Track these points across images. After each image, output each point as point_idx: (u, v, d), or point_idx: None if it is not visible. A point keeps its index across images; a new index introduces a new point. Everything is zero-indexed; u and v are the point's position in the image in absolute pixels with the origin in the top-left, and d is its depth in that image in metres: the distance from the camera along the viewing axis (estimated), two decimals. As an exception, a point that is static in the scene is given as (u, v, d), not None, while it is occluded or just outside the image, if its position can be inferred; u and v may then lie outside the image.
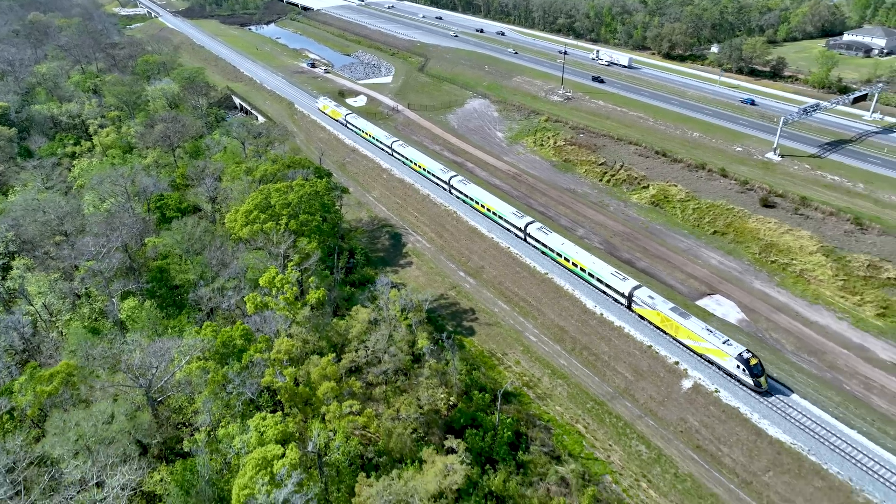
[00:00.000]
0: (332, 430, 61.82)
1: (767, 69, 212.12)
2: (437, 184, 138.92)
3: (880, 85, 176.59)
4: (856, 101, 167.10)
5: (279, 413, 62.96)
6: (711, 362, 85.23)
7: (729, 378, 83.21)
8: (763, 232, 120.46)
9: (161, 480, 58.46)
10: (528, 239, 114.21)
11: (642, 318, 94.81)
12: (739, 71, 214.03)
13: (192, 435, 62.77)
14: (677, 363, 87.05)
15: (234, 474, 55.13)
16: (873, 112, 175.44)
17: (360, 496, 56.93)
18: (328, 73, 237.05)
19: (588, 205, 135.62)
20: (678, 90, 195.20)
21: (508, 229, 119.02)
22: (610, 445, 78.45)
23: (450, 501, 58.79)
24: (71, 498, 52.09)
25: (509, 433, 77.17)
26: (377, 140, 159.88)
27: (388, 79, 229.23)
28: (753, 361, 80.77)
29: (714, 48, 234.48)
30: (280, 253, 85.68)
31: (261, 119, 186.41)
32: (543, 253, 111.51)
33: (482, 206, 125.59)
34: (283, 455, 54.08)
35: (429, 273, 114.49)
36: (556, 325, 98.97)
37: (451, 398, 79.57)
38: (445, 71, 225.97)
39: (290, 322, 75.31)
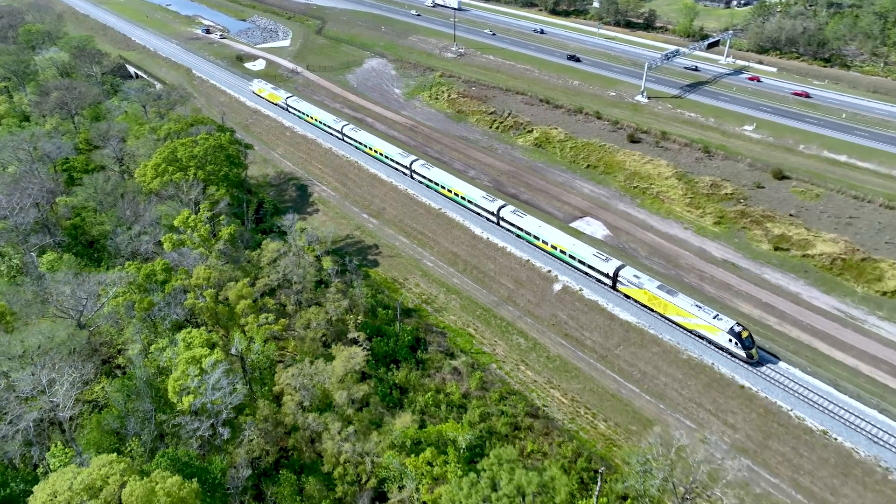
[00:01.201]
0: (251, 337, 72.25)
1: (641, 21, 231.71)
2: (398, 169, 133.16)
3: (731, 32, 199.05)
4: (710, 46, 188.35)
5: (203, 328, 72.56)
6: (702, 337, 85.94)
7: (709, 345, 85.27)
8: (628, 163, 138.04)
9: (102, 388, 67.00)
10: (501, 223, 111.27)
11: (627, 297, 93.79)
12: (617, 24, 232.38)
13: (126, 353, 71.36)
14: (550, 271, 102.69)
15: (168, 377, 64.55)
16: (727, 56, 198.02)
17: (278, 382, 68.11)
18: (224, 38, 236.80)
19: (479, 149, 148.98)
20: (562, 43, 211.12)
21: (479, 213, 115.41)
22: (495, 341, 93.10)
23: (355, 380, 70.88)
24: (25, 400, 59.91)
25: (410, 338, 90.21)
26: (325, 125, 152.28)
27: (286, 42, 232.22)
28: (745, 334, 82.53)
29: (595, 3, 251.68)
30: (191, 199, 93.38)
31: (158, 86, 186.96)
32: (518, 237, 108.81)
33: (448, 191, 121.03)
34: (210, 355, 64.18)
35: (335, 217, 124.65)
36: (449, 252, 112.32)
37: (359, 317, 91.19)
38: (343, 33, 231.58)
39: (206, 257, 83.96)
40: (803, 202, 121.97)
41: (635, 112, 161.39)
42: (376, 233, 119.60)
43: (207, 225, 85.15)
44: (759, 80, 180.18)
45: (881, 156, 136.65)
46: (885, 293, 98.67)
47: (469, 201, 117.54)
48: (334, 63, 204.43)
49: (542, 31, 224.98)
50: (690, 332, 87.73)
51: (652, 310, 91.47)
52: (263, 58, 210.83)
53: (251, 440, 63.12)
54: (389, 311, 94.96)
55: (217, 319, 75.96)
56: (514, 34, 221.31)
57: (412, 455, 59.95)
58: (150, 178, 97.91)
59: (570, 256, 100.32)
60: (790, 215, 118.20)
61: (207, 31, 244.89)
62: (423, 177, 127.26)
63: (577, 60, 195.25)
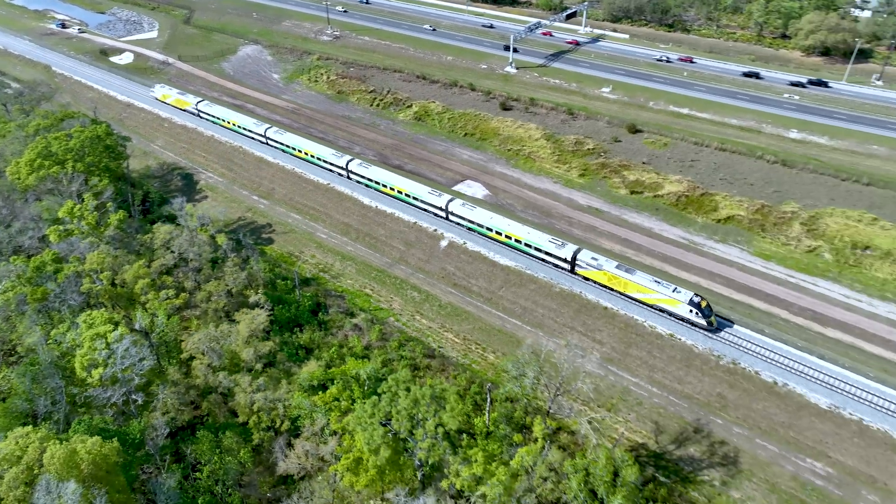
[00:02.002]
0: (154, 312, 75.18)
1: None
2: (332, 170, 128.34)
3: (587, 3, 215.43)
4: (569, 17, 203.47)
5: (104, 310, 74.52)
6: (663, 310, 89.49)
7: (675, 320, 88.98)
8: (502, 129, 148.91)
9: (4, 377, 67.76)
10: (451, 217, 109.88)
11: (587, 279, 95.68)
12: (485, 0, 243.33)
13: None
14: (436, 230, 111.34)
15: (73, 357, 66.56)
16: (585, 26, 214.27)
17: (185, 349, 71.90)
18: (84, 32, 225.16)
19: (361, 126, 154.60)
20: (434, 21, 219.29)
21: (427, 210, 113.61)
22: (391, 298, 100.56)
23: (261, 338, 75.90)
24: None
25: (310, 303, 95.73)
26: (245, 129, 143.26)
27: (154, 34, 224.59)
28: (704, 304, 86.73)
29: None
30: (73, 192, 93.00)
31: (15, 85, 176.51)
32: (470, 229, 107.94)
33: (391, 189, 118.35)
34: (115, 330, 66.93)
35: (224, 202, 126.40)
36: (342, 223, 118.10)
37: (259, 290, 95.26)
38: (213, 21, 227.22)
39: (97, 245, 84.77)
40: (653, 151, 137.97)
41: (506, 82, 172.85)
42: (268, 212, 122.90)
43: (94, 213, 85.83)
44: (577, 43, 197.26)
45: (716, 107, 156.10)
46: (719, 220, 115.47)
47: (415, 198, 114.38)
48: (207, 52, 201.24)
49: (432, 30, 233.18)
50: (651, 306, 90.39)
51: (612, 289, 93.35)
52: (130, 51, 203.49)
53: (165, 402, 66.80)
54: (288, 282, 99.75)
55: (116, 301, 77.86)
56: (387, 14, 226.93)
57: (320, 392, 66.25)
58: (24, 174, 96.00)
59: (526, 245, 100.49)
60: (643, 163, 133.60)
61: (63, 26, 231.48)
62: (362, 176, 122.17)
63: (434, 31, 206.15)
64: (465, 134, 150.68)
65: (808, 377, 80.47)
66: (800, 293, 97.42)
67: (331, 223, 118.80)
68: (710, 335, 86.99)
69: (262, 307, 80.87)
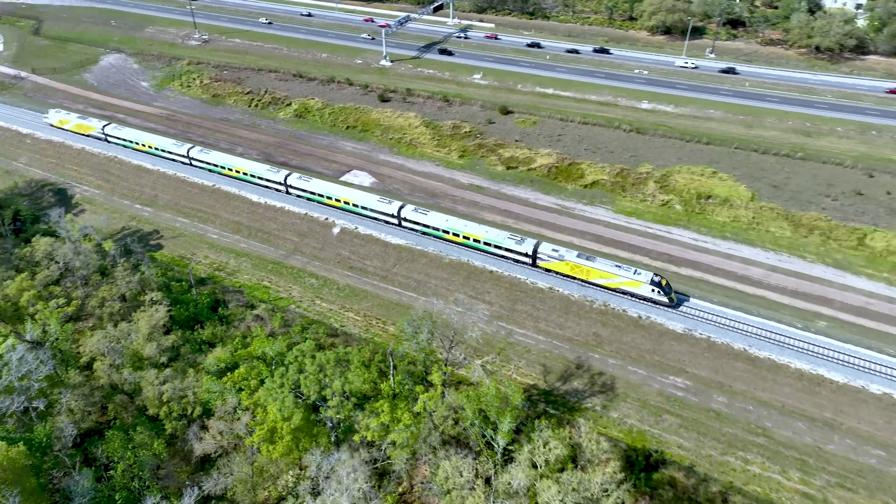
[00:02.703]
0: (45, 322, 74.15)
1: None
2: (269, 187, 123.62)
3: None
4: (436, 10, 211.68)
5: (-13, 327, 72.54)
6: (625, 293, 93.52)
7: (634, 299, 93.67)
8: (382, 120, 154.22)
9: None
10: (404, 223, 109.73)
11: (549, 271, 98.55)
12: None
13: None
14: (327, 219, 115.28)
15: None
16: (453, 18, 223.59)
17: (84, 353, 71.78)
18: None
19: (242, 128, 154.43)
20: (305, 21, 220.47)
21: (377, 218, 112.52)
22: (290, 287, 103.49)
23: (160, 333, 76.98)
24: None
25: (208, 300, 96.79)
26: (164, 150, 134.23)
27: None
28: (664, 282, 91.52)
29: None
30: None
31: None
32: (424, 233, 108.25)
33: (337, 201, 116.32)
34: (5, 341, 65.97)
35: (105, 213, 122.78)
36: (232, 222, 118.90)
37: (154, 293, 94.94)
38: (67, 31, 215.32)
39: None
40: (525, 129, 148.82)
41: (382, 75, 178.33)
42: (153, 219, 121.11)
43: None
44: (466, 36, 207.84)
45: (576, 86, 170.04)
46: (586, 186, 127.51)
47: (364, 207, 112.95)
48: (65, 63, 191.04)
49: (268, 23, 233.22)
50: (614, 290, 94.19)
51: (574, 278, 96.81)
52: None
53: (69, 406, 66.76)
54: (183, 283, 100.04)
55: (1, 316, 75.79)
56: (254, 16, 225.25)
57: (228, 374, 68.92)
58: None
59: (486, 244, 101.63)
60: (516, 141, 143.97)
61: None
62: (304, 190, 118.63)
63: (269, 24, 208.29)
64: (348, 127, 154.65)
65: (666, 309, 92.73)
66: (657, 241, 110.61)
67: (221, 223, 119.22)
68: (669, 310, 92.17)
69: (160, 303, 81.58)
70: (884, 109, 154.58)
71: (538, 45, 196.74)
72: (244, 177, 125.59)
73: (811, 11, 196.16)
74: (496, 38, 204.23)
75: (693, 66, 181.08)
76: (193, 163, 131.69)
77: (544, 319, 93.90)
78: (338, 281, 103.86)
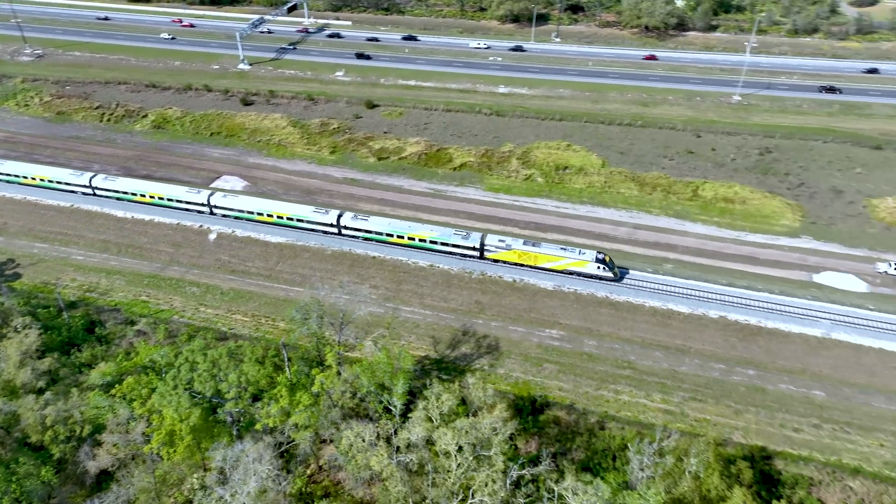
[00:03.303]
0: None
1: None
2: (190, 210, 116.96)
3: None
4: (291, 10, 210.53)
5: None
6: (572, 273, 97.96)
7: (580, 277, 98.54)
8: (247, 123, 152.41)
9: None
10: (344, 231, 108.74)
11: (497, 261, 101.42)
12: (202, 2, 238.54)
13: None
14: (202, 226, 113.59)
15: None
16: (308, 17, 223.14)
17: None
18: None
19: (96, 144, 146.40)
20: (154, 29, 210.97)
21: (314, 230, 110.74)
22: (171, 298, 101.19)
23: (33, 358, 73.51)
24: None
25: (82, 322, 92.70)
26: (59, 182, 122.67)
27: None
28: (608, 259, 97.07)
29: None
30: None
31: None
32: (367, 239, 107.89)
33: (269, 216, 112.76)
34: None
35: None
36: (98, 241, 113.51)
37: (22, 319, 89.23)
38: None
39: None
40: (392, 121, 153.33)
41: (242, 79, 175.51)
42: (6, 248, 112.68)
43: None
44: (307, 31, 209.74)
45: (436, 76, 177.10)
46: (455, 168, 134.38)
47: (299, 220, 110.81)
48: None
49: (106, 18, 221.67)
50: (562, 272, 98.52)
51: (523, 265, 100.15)
52: None
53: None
54: (51, 309, 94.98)
55: None
56: (81, 25, 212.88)
57: (117, 386, 67.55)
58: None
59: (432, 242, 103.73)
60: (385, 133, 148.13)
61: None
62: (230, 208, 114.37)
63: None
64: (212, 133, 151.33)
65: (536, 270, 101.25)
66: (525, 212, 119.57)
67: (86, 244, 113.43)
68: (614, 283, 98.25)
69: (30, 327, 77.58)
70: (704, 78, 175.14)
71: (376, 39, 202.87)
72: (160, 202, 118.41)
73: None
74: (339, 37, 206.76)
75: (486, 46, 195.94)
76: (97, 192, 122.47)
77: (429, 295, 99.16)
78: (221, 286, 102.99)
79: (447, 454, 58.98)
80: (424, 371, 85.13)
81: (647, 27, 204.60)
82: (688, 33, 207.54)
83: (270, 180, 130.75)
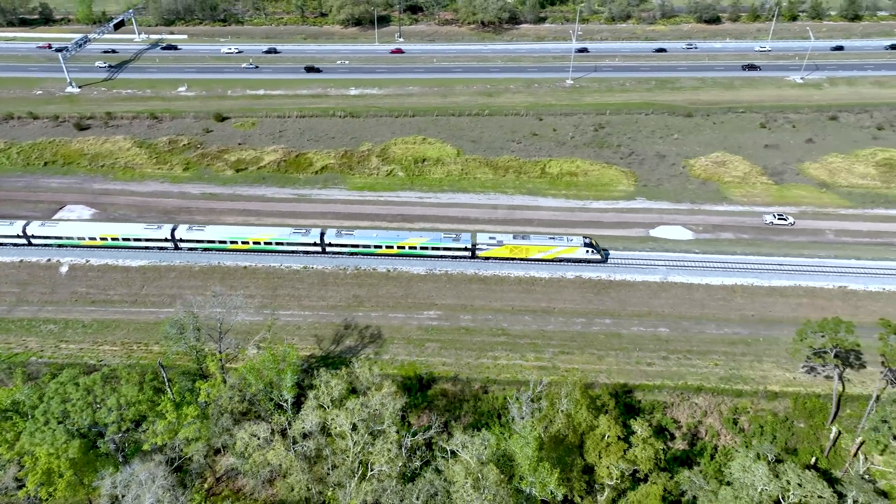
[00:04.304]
0: None
1: (38, 17, 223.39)
2: (159, 248, 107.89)
3: (132, 11, 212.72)
4: (118, 27, 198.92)
5: None
6: (562, 260, 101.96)
7: (576, 263, 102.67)
8: (86, 149, 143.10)
9: None
10: (328, 249, 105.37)
11: (489, 258, 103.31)
12: (10, 24, 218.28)
13: None
14: (50, 259, 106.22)
15: None
16: (139, 34, 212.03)
17: None
18: None
19: None
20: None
21: (295, 251, 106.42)
22: (24, 340, 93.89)
23: None
24: None
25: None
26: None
27: None
28: (594, 242, 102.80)
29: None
30: None
31: None
32: (353, 254, 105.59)
33: (244, 244, 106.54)
34: None
35: None
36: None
37: None
38: None
39: None
40: (245, 132, 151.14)
41: (73, 103, 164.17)
42: None
43: None
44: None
45: (285, 84, 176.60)
46: (317, 172, 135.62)
47: (279, 243, 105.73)
48: None
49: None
50: (553, 260, 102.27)
51: (514, 259, 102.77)
52: None
53: None
54: None
55: None
56: None
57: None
58: None
59: (423, 248, 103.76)
60: (239, 144, 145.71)
61: None
62: (198, 240, 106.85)
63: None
64: (46, 163, 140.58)
65: (407, 258, 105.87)
66: (390, 206, 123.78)
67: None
68: (602, 265, 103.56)
69: None
70: (540, 66, 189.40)
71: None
72: (116, 243, 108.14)
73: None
74: (176, 49, 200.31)
75: (238, 51, 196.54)
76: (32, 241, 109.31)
77: (306, 296, 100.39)
78: (82, 319, 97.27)
79: (342, 435, 61.60)
80: (312, 368, 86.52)
81: (483, 22, 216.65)
82: (521, 26, 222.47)
83: (122, 204, 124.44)
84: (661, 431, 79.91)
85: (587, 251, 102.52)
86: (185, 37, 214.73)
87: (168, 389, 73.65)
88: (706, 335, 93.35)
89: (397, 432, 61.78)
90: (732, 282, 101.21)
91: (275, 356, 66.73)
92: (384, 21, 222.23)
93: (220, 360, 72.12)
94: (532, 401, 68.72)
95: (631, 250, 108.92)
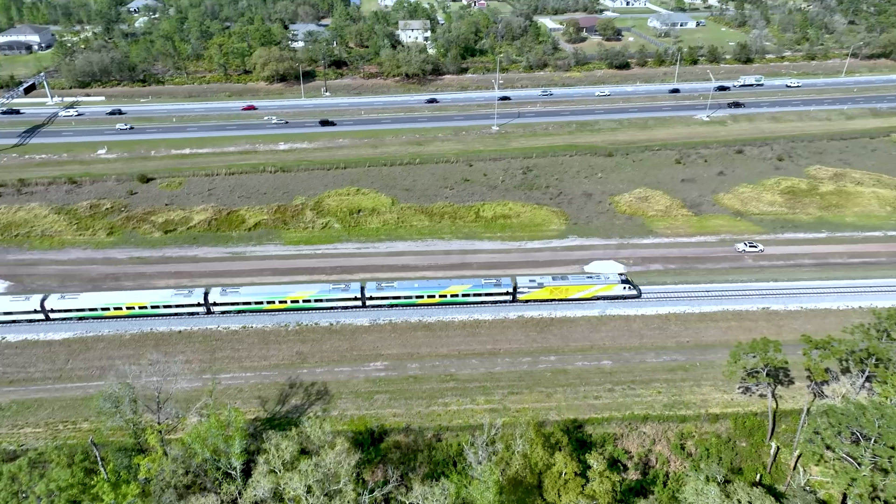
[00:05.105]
0: None
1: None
2: (180, 313, 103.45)
3: (43, 75, 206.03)
4: (28, 91, 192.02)
5: None
6: (600, 297, 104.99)
7: (608, 300, 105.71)
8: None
9: None
10: (369, 302, 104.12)
11: (527, 301, 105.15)
12: None
13: None
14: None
15: None
16: (52, 98, 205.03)
17: None
18: None
19: None
20: None
21: (335, 307, 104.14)
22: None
23: None
24: None
25: None
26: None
27: None
28: (629, 279, 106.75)
29: None
30: None
31: None
32: (392, 306, 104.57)
33: (285, 302, 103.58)
34: None
35: None
36: None
37: None
38: None
39: None
40: (172, 192, 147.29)
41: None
42: None
43: None
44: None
45: (212, 141, 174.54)
46: (250, 229, 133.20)
47: (318, 300, 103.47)
48: None
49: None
50: (594, 299, 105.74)
51: (553, 300, 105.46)
52: None
53: None
54: None
55: None
56: None
57: None
58: None
59: (464, 295, 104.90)
60: (166, 205, 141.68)
61: None
62: (234, 302, 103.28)
63: None
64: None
65: (351, 310, 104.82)
66: (328, 258, 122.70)
67: None
68: (638, 300, 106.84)
69: None
70: (466, 114, 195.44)
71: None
72: (145, 311, 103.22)
73: (393, 46, 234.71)
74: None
75: (78, 113, 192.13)
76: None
77: (247, 357, 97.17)
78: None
79: (297, 500, 59.26)
80: (258, 432, 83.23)
81: (407, 74, 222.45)
82: (444, 77, 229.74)
83: (41, 275, 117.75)
84: (614, 463, 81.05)
85: (624, 287, 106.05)
86: (103, 98, 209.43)
87: (101, 469, 69.00)
88: (647, 364, 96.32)
89: (354, 490, 60.00)
90: (666, 310, 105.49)
91: (220, 422, 63.90)
92: (309, 76, 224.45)
93: (160, 431, 68.34)
94: (488, 444, 68.50)
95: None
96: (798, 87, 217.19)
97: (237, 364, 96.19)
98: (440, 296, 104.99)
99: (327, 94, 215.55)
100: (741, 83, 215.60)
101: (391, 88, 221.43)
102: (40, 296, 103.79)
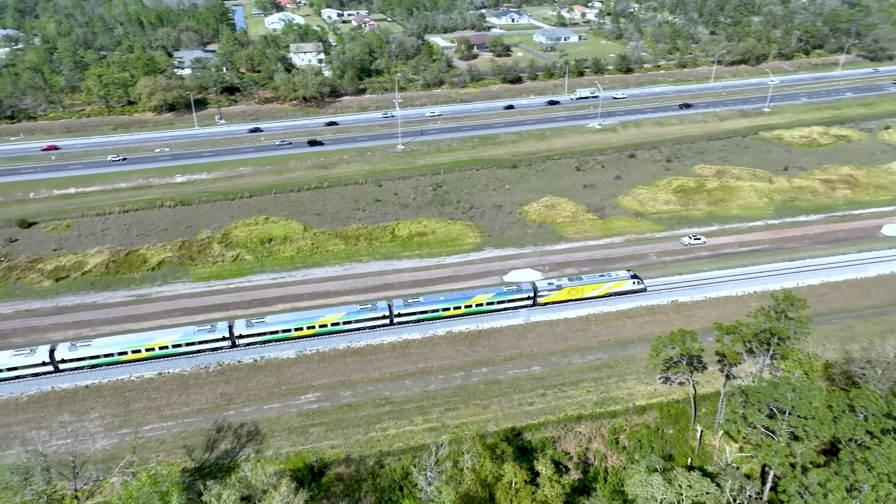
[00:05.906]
0: None
1: None
2: (203, 350, 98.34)
3: None
4: None
5: None
6: (615, 294, 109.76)
7: (617, 296, 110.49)
8: None
9: None
10: (396, 319, 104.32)
11: (546, 304, 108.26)
12: None
13: None
14: None
15: None
16: None
17: None
18: None
19: None
20: None
21: (362, 328, 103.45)
22: None
23: None
24: None
25: None
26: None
27: None
28: (636, 274, 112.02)
29: None
30: None
31: None
32: (420, 321, 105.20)
33: (314, 327, 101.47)
34: None
35: None
36: None
37: None
38: None
39: None
40: (60, 235, 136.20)
41: None
42: None
43: None
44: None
45: (99, 178, 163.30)
46: (153, 268, 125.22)
47: (346, 322, 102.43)
48: None
49: None
50: (607, 296, 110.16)
51: (570, 300, 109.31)
52: None
53: None
54: None
55: None
56: None
57: None
58: None
59: (489, 304, 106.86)
60: (55, 250, 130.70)
61: None
62: (261, 333, 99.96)
63: None
64: None
65: (278, 343, 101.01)
66: (242, 292, 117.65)
67: None
68: (640, 294, 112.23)
69: None
70: (369, 135, 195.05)
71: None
72: (165, 352, 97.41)
73: (288, 70, 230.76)
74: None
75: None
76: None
77: (166, 405, 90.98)
78: None
79: (247, 551, 55.91)
80: (189, 484, 78.00)
81: (304, 98, 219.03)
82: (342, 98, 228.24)
83: None
84: (556, 466, 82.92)
85: (633, 282, 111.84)
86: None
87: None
88: (574, 365, 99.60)
89: (307, 532, 57.45)
90: (586, 312, 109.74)
91: (152, 477, 59.24)
92: (201, 104, 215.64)
93: (79, 498, 62.37)
94: (436, 463, 68.02)
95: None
96: (623, 97, 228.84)
97: (156, 414, 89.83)
98: (466, 306, 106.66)
99: (222, 121, 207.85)
100: (577, 96, 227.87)
101: (289, 112, 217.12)
102: (48, 346, 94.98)
